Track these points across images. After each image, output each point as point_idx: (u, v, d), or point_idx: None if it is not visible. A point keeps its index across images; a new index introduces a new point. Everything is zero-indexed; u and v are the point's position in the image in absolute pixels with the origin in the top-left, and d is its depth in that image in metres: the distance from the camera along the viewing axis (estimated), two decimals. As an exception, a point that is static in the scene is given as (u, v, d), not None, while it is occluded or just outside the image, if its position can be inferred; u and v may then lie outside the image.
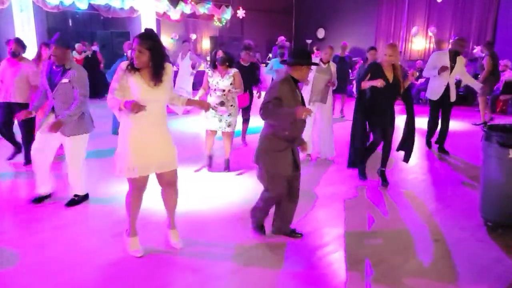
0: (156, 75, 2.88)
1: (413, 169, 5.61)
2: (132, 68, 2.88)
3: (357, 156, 5.02)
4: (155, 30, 14.01)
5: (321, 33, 16.47)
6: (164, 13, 13.36)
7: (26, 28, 10.47)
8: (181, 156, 3.32)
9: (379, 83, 4.37)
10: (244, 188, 4.76)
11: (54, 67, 3.87)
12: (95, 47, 12.63)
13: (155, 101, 2.93)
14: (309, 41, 15.97)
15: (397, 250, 3.37)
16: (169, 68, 2.99)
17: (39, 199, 4.11)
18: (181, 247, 3.28)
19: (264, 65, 12.34)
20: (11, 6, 10.38)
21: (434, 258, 3.27)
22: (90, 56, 11.99)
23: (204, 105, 3.39)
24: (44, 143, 3.92)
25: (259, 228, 3.55)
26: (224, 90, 5.03)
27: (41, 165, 3.99)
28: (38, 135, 3.96)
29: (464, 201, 4.43)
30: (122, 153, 2.97)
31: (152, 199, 3.66)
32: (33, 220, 3.80)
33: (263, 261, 3.17)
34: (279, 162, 3.23)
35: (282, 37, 12.75)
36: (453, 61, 6.06)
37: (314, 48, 15.28)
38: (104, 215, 3.95)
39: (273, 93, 3.14)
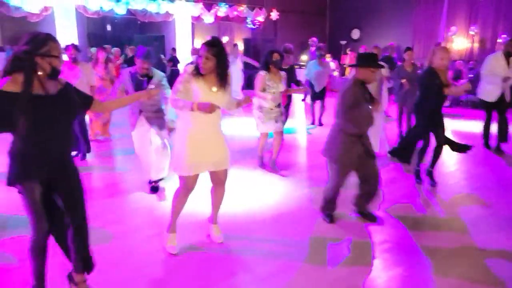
0: (222, 81, 3.04)
1: (459, 171, 5.43)
2: (197, 73, 3.01)
3: (409, 153, 4.92)
4: (189, 33, 14.29)
5: (356, 34, 16.20)
6: (199, 16, 13.56)
7: (68, 34, 10.89)
8: (232, 156, 3.39)
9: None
10: (289, 186, 4.77)
11: (139, 76, 4.23)
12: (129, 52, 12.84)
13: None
14: (343, 42, 15.75)
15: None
16: (229, 75, 3.12)
17: (155, 183, 4.57)
18: (222, 242, 3.38)
19: (298, 67, 12.27)
20: (53, 12, 10.84)
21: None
22: (127, 59, 12.27)
23: (247, 100, 3.45)
24: (142, 139, 4.37)
25: (330, 218, 3.80)
26: (280, 92, 5.10)
27: (146, 157, 4.46)
28: (134, 134, 4.37)
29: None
30: (179, 151, 3.10)
31: (196, 201, 3.73)
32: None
33: (310, 260, 3.15)
34: (347, 154, 3.49)
35: (314, 38, 12.64)
36: (507, 62, 5.97)
37: (348, 50, 15.05)
38: (143, 213, 4.03)
39: (350, 100, 3.41)
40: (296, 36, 15.65)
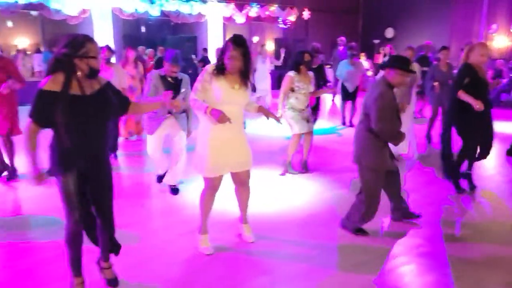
0: (245, 80, 3.04)
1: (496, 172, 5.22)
2: (219, 71, 3.00)
3: (455, 167, 4.55)
4: (221, 34, 14.40)
5: (389, 33, 15.84)
6: (230, 17, 13.66)
7: (104, 35, 11.24)
8: (258, 157, 3.38)
9: (477, 105, 4.04)
10: (317, 189, 4.74)
11: (169, 79, 4.29)
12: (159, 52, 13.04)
13: (236, 104, 3.07)
14: (376, 41, 15.44)
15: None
16: (252, 74, 3.08)
17: (162, 177, 4.66)
18: (253, 241, 3.39)
19: (329, 66, 12.13)
20: (91, 15, 11.22)
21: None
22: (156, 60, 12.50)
23: (271, 115, 3.37)
24: (158, 141, 4.44)
25: (359, 231, 3.57)
26: (309, 93, 5.07)
27: (161, 157, 4.56)
28: (152, 137, 4.42)
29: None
30: (201, 152, 3.11)
31: (225, 200, 3.76)
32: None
33: (337, 265, 3.11)
34: (381, 156, 3.39)
35: (343, 38, 12.46)
36: None
37: (381, 49, 14.73)
38: (172, 213, 4.09)
39: (384, 103, 3.24)
40: (327, 35, 15.48)
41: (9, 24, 14.55)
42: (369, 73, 13.31)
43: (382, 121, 3.22)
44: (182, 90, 4.28)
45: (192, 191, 4.48)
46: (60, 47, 2.30)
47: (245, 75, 3.04)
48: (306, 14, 14.99)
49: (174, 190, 4.63)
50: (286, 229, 3.72)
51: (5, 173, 4.92)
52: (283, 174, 5.24)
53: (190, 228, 3.59)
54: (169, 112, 4.29)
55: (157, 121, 4.32)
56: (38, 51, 13.42)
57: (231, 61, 2.96)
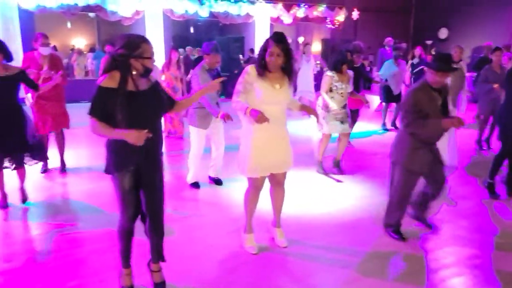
0: (287, 78, 3.01)
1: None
2: (260, 70, 2.97)
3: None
4: (268, 34, 14.48)
5: (443, 33, 15.17)
6: (278, 17, 13.67)
7: (156, 36, 11.62)
8: (296, 159, 3.35)
9: None
10: (357, 193, 4.63)
11: (212, 71, 4.35)
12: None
13: (278, 103, 3.03)
14: (429, 42, 14.83)
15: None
16: (294, 72, 3.09)
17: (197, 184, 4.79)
18: (286, 246, 3.34)
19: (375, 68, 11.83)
20: (144, 16, 11.63)
21: None
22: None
23: (313, 113, 3.36)
24: (203, 140, 4.55)
25: (397, 233, 3.51)
26: (347, 93, 4.98)
27: (199, 159, 4.68)
28: (204, 132, 4.52)
29: None
30: (244, 153, 3.11)
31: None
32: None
33: (380, 273, 3.01)
34: (416, 159, 3.26)
35: (390, 38, 12.09)
36: None
37: (432, 50, 14.14)
38: (220, 211, 4.15)
39: (409, 103, 3.18)
40: (377, 35, 15.06)
41: (68, 25, 15.43)
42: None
43: (404, 120, 3.25)
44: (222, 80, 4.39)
45: (239, 189, 4.52)
46: (117, 47, 2.38)
47: (286, 73, 2.99)
48: (355, 14, 14.70)
49: (218, 181, 4.76)
50: (323, 234, 3.63)
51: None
52: (324, 173, 5.21)
53: (238, 226, 3.62)
54: (217, 105, 4.39)
55: (207, 117, 4.40)
56: (92, 50, 14.08)
57: (272, 58, 2.91)
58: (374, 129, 8.24)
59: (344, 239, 3.55)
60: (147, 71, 2.43)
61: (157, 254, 2.69)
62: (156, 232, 2.62)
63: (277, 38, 2.91)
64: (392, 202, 3.49)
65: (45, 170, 5.16)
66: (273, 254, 3.25)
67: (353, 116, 6.40)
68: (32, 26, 10.62)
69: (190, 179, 4.76)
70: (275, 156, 3.09)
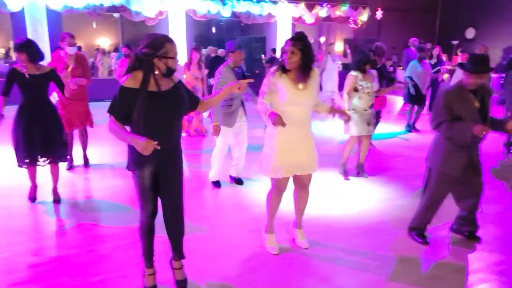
0: (305, 75, 2.96)
1: None
2: (282, 71, 2.98)
3: None
4: (290, 34, 14.47)
5: (470, 33, 14.81)
6: (300, 17, 13.61)
7: (178, 36, 11.75)
8: (320, 160, 3.30)
9: None
10: (379, 196, 4.56)
11: (236, 69, 4.40)
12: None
13: (301, 105, 3.02)
14: (455, 42, 14.51)
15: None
16: (316, 73, 3.04)
17: (218, 182, 4.82)
18: (307, 247, 3.32)
19: (401, 67, 11.64)
20: (167, 16, 11.77)
21: None
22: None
23: (345, 115, 3.31)
24: (228, 138, 4.60)
25: (422, 237, 3.44)
26: (374, 92, 4.94)
27: (223, 158, 4.70)
28: (230, 131, 4.57)
29: None
30: (268, 153, 3.11)
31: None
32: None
33: (402, 277, 2.96)
34: (450, 161, 3.20)
35: (414, 38, 11.86)
36: None
37: (458, 51, 13.82)
38: (241, 211, 4.16)
39: (440, 104, 3.14)
40: (401, 35, 14.83)
41: (94, 25, 15.77)
42: (445, 76, 12.54)
43: (433, 121, 3.20)
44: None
45: (260, 189, 4.54)
46: (141, 47, 2.40)
47: (305, 71, 2.95)
48: (379, 14, 14.50)
49: (239, 181, 4.79)
50: (344, 236, 3.60)
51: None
52: (346, 178, 5.14)
53: (258, 225, 3.63)
54: (242, 104, 4.42)
55: (233, 115, 4.43)
56: (116, 50, 14.34)
57: (288, 56, 2.92)
58: (398, 130, 8.12)
59: (365, 242, 3.50)
60: (170, 71, 2.44)
61: (176, 252, 2.70)
62: (175, 230, 2.63)
63: (293, 36, 2.96)
64: (423, 206, 3.42)
65: (70, 167, 5.31)
66: (293, 255, 3.24)
67: (375, 116, 6.33)
68: (59, 26, 10.88)
69: (212, 176, 4.79)
70: (298, 157, 3.07)
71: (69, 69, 4.80)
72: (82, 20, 13.20)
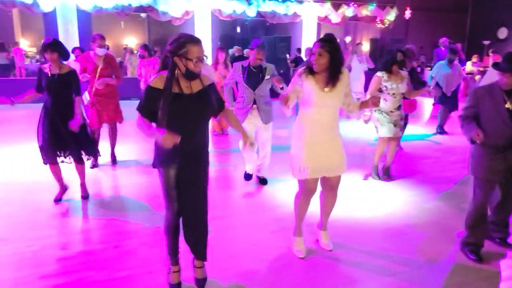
0: (333, 78, 2.90)
1: None
2: (309, 72, 2.93)
3: None
4: (315, 33, 14.32)
5: (502, 33, 14.33)
6: (326, 17, 13.50)
7: (204, 35, 11.85)
8: (350, 161, 3.26)
9: None
10: (406, 198, 4.46)
11: (252, 69, 4.39)
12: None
13: (327, 107, 2.96)
14: (486, 42, 14.07)
15: None
16: (345, 75, 2.98)
17: (250, 176, 4.83)
18: (331, 249, 3.27)
19: (429, 68, 11.36)
20: (193, 16, 11.89)
21: None
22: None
23: (375, 102, 3.11)
24: (249, 134, 4.58)
25: (476, 254, 3.18)
26: (401, 93, 4.82)
27: (251, 153, 4.64)
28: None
29: None
30: (294, 154, 3.06)
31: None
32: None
33: (429, 283, 2.87)
34: (485, 165, 3.08)
35: (444, 38, 11.56)
36: None
37: (490, 52, 13.39)
38: (265, 211, 4.14)
39: (468, 98, 3.12)
40: (429, 35, 14.51)
41: (122, 25, 16.09)
42: (477, 77, 12.17)
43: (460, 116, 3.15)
44: (266, 77, 4.36)
45: (284, 190, 4.53)
46: (168, 44, 2.41)
47: (333, 74, 2.89)
48: (408, 13, 14.20)
49: (263, 181, 4.78)
50: (370, 239, 3.52)
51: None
52: (365, 179, 5.07)
53: (282, 226, 3.62)
54: (254, 103, 4.39)
55: (243, 111, 4.43)
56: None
57: (316, 57, 2.86)
58: (427, 132, 7.94)
59: (391, 245, 3.43)
60: (189, 73, 2.39)
61: (197, 255, 2.67)
62: (195, 228, 2.59)
63: (322, 38, 2.91)
64: (468, 217, 3.24)
65: (94, 165, 5.36)
66: (317, 257, 3.20)
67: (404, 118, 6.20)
68: (89, 26, 11.17)
69: (247, 169, 4.82)
70: (326, 158, 3.01)
71: (98, 70, 4.94)
72: (111, 20, 13.50)
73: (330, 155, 3.02)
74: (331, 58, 2.85)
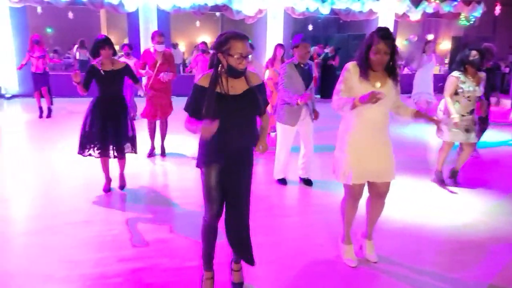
0: (390, 76, 2.74)
1: None
2: (363, 69, 2.71)
3: None
4: (392, 31, 13.71)
5: None
6: (404, 14, 12.86)
7: (276, 33, 11.89)
8: (402, 164, 3.04)
9: None
10: (473, 209, 4.11)
11: (302, 66, 4.27)
12: (327, 50, 13.03)
13: (378, 104, 2.66)
14: None
15: None
16: (398, 71, 2.80)
17: (284, 180, 4.79)
18: (376, 262, 3.05)
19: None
20: (266, 15, 11.97)
21: None
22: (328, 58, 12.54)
23: (432, 120, 2.93)
24: (292, 135, 4.52)
25: None
26: (476, 97, 4.43)
27: (287, 155, 4.62)
28: (288, 131, 4.51)
29: None
30: (338, 157, 2.89)
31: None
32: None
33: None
34: None
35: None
36: None
37: None
38: (309, 213, 4.00)
39: None
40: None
41: (197, 24, 16.68)
42: None
43: None
44: (315, 74, 4.32)
45: (330, 192, 4.38)
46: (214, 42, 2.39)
47: (391, 72, 2.71)
48: (498, 9, 13.06)
49: (307, 182, 4.68)
50: (423, 253, 3.23)
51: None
52: (434, 181, 4.81)
53: (329, 231, 3.47)
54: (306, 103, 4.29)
55: (296, 113, 4.31)
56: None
57: (377, 55, 2.62)
58: (507, 138, 7.28)
59: (450, 262, 3.10)
60: (231, 70, 2.30)
61: (244, 258, 2.56)
62: (238, 229, 2.49)
63: (384, 34, 2.62)
64: None
65: (150, 154, 5.81)
66: (360, 268, 2.99)
67: (482, 123, 5.71)
68: (167, 25, 11.70)
69: (275, 175, 4.77)
70: (373, 163, 2.79)
71: (157, 65, 5.32)
72: (187, 19, 14.04)
73: (377, 159, 2.80)
74: (391, 56, 2.66)
